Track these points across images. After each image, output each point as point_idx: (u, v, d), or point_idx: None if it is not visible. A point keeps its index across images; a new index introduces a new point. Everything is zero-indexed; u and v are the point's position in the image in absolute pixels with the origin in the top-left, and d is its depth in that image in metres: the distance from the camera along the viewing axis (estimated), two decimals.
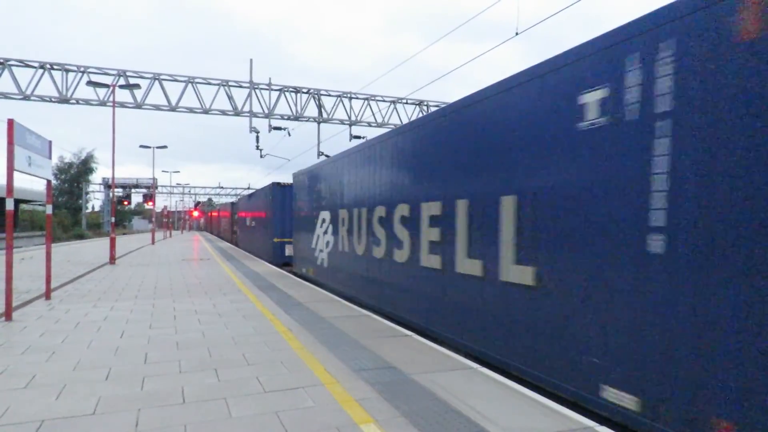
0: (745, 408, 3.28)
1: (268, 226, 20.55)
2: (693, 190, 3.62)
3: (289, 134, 25.22)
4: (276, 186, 19.76)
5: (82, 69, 21.34)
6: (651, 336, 3.89)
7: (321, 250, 13.05)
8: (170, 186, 72.17)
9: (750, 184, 3.30)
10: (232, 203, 40.66)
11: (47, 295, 9.69)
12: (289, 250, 18.56)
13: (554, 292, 4.89)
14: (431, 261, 7.20)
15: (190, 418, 3.96)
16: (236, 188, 77.96)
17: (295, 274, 15.85)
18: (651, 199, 3.91)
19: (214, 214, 62.10)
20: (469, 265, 6.26)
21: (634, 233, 4.04)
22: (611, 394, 4.21)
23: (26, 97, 20.73)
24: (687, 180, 3.66)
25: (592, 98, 4.49)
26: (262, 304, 9.30)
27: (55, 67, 21.09)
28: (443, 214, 6.88)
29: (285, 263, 18.77)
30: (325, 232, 12.63)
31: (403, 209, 8.12)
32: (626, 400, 4.07)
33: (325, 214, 12.59)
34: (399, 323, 8.27)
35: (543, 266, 5.04)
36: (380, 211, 9.03)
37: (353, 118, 26.01)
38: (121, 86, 20.65)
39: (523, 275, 5.29)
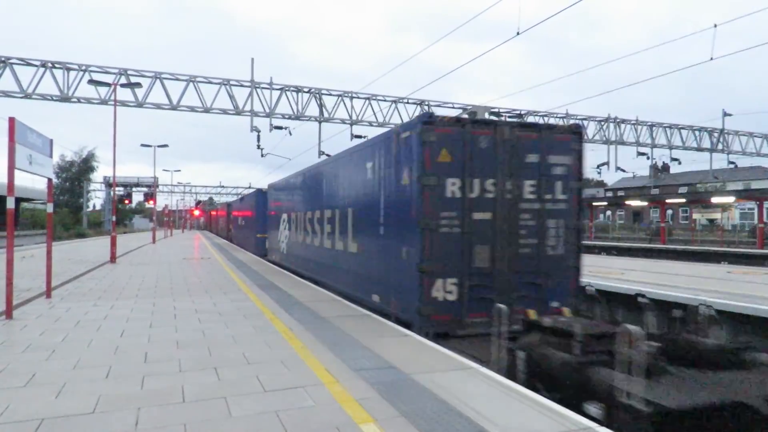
0: (390, 293, 8.42)
1: (253, 224, 24.55)
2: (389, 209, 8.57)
3: (290, 133, 25.24)
4: (259, 192, 23.95)
5: (83, 67, 21.35)
6: (381, 271, 8.80)
7: (282, 242, 18.02)
8: (171, 185, 72.28)
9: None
10: (228, 204, 45.14)
11: (48, 293, 9.70)
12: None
13: (363, 254, 9.73)
14: (328, 244, 12.06)
15: (189, 417, 3.96)
16: (237, 187, 77.93)
17: (269, 260, 20.12)
18: (381, 212, 8.81)
19: (213, 213, 66.14)
20: (340, 245, 11.16)
21: (377, 225, 8.93)
22: (375, 297, 9.06)
23: (27, 96, 20.74)
24: (387, 205, 8.63)
25: (369, 165, 9.37)
26: (262, 303, 9.30)
27: (56, 65, 21.09)
28: (334, 217, 11.49)
29: (265, 254, 21.71)
30: (285, 229, 17.48)
31: (318, 213, 12.83)
32: (377, 299, 8.97)
33: (284, 216, 17.56)
34: (324, 287, 11.89)
35: (362, 243, 9.85)
36: (309, 214, 13.82)
37: (354, 117, 26.01)
38: (122, 85, 20.66)
39: (355, 247, 10.20)
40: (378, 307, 8.79)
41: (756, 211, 40.03)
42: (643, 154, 32.72)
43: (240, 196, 41.86)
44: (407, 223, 7.69)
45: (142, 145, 37.90)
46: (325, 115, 25.44)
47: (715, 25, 19.40)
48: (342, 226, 10.88)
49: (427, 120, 7.32)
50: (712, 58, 19.05)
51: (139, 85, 21.18)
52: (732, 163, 34.87)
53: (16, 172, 7.68)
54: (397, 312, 8.10)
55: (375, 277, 9.08)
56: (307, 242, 14.22)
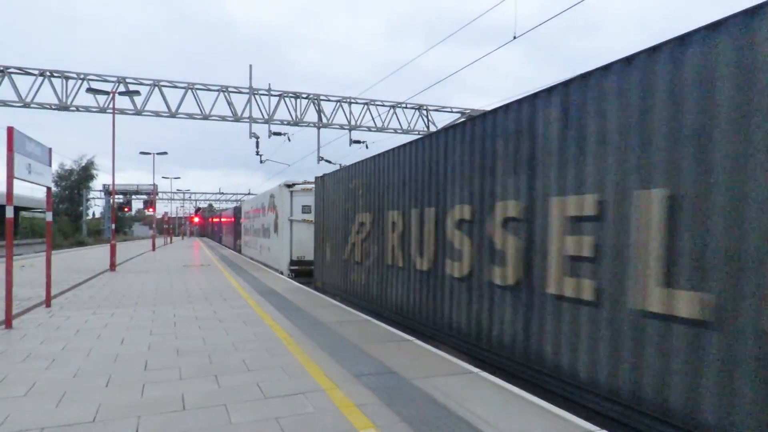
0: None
1: (235, 230, 36.48)
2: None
3: (289, 139, 25.25)
4: (237, 206, 36.11)
5: (81, 76, 21.40)
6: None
7: (246, 242, 28.33)
8: (171, 192, 72.24)
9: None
10: (220, 213, 52.53)
11: (47, 302, 9.68)
12: None
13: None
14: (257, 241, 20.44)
15: (190, 425, 3.95)
16: (236, 194, 78.06)
17: (245, 255, 28.09)
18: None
19: (209, 220, 74.54)
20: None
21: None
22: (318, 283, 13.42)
23: (26, 105, 20.78)
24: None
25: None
26: (262, 310, 9.29)
27: (54, 74, 21.14)
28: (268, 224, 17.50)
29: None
30: (247, 232, 27.63)
31: (257, 222, 20.19)
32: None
33: (248, 224, 27.01)
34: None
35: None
36: (259, 222, 20.72)
37: (353, 122, 26.04)
38: (120, 93, 20.69)
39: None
40: None
41: None
42: None
43: (229, 208, 44.90)
44: None
45: (141, 152, 37.94)
46: (324, 120, 25.48)
47: None
48: None
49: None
50: None
51: (137, 93, 21.22)
52: None
53: (15, 181, 7.69)
54: None
55: None
56: (258, 237, 23.34)
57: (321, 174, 13.63)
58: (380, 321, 8.65)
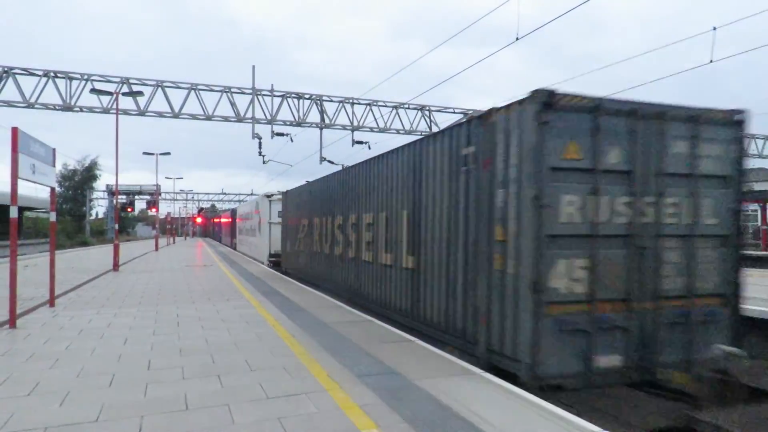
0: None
1: (231, 230, 42.47)
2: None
3: (292, 140, 25.27)
4: (234, 209, 41.92)
5: (85, 77, 21.46)
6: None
7: (240, 240, 33.88)
8: (174, 192, 72.41)
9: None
10: (219, 215, 60.56)
11: (51, 302, 9.72)
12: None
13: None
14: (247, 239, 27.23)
15: (193, 425, 3.96)
16: (239, 194, 78.16)
17: (239, 251, 33.61)
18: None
19: (210, 221, 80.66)
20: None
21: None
22: (284, 268, 18.76)
23: (30, 105, 20.84)
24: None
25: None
26: (265, 310, 9.30)
27: (58, 75, 21.20)
28: (255, 225, 22.91)
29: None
30: (240, 232, 33.53)
31: (246, 224, 28.14)
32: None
33: (240, 225, 33.59)
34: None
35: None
36: (248, 224, 27.69)
37: (355, 123, 26.05)
38: (124, 94, 20.75)
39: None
40: None
41: (759, 214, 39.86)
42: None
43: (227, 210, 54.88)
44: None
45: (145, 153, 38.05)
46: (327, 121, 25.49)
47: (714, 28, 19.42)
48: None
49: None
50: (711, 61, 19.06)
51: (141, 93, 21.27)
52: None
53: (20, 181, 7.72)
54: None
55: None
56: (249, 237, 29.27)
57: (306, 181, 17.36)
58: (329, 296, 11.52)
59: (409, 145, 8.56)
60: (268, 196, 22.66)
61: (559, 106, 5.37)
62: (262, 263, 22.34)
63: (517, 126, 5.63)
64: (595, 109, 5.52)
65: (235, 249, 36.92)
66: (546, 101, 5.30)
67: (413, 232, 8.21)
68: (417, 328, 7.91)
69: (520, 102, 5.56)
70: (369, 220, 10.22)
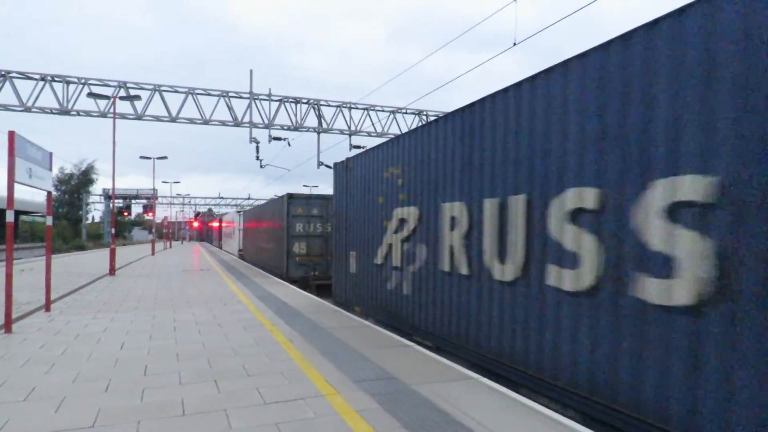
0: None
1: (219, 233, 53.87)
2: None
3: (289, 144, 25.28)
4: (223, 215, 54.95)
5: (82, 81, 21.43)
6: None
7: (224, 241, 46.56)
8: (170, 196, 72.23)
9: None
10: (210, 220, 70.07)
11: (47, 306, 9.67)
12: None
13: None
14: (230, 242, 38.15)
15: (190, 430, 3.94)
16: (236, 198, 77.99)
17: (223, 250, 44.90)
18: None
19: (206, 225, 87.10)
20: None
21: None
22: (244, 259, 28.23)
23: (27, 109, 20.80)
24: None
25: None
26: (262, 314, 9.28)
27: (56, 79, 21.18)
28: (232, 231, 34.69)
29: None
30: (224, 235, 47.54)
31: (228, 229, 39.08)
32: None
33: (224, 230, 47.68)
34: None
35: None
36: (229, 230, 40.06)
37: (353, 128, 26.08)
38: (121, 98, 20.71)
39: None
40: None
41: None
42: None
43: (220, 215, 67.78)
44: None
45: (141, 157, 37.95)
46: (324, 125, 25.51)
47: None
48: None
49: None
50: None
51: (138, 97, 21.24)
52: None
53: (16, 185, 7.70)
54: None
55: None
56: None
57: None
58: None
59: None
60: (239, 211, 36.06)
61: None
62: (233, 255, 35.26)
63: None
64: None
65: (220, 248, 50.24)
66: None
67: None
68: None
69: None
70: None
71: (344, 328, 8.04)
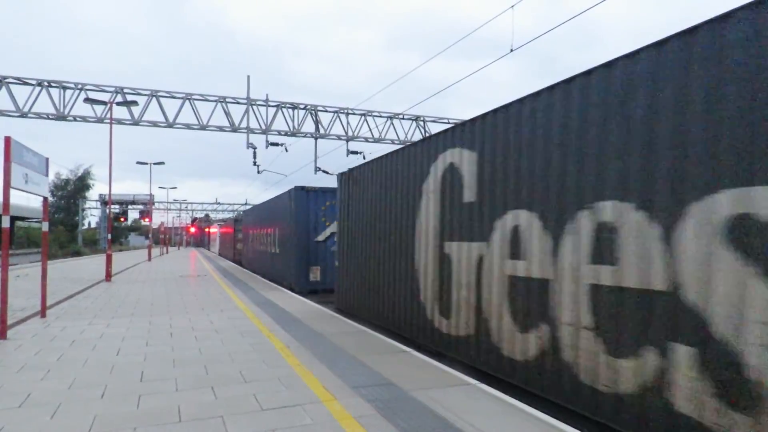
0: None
1: (208, 239, 67.17)
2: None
3: (287, 150, 25.27)
4: (218, 221, 62.06)
5: (79, 86, 21.42)
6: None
7: (212, 245, 58.64)
8: (167, 202, 72.05)
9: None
10: (205, 227, 77.32)
11: (43, 312, 9.62)
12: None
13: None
14: (216, 245, 53.02)
15: None
16: (233, 204, 77.87)
17: (211, 251, 56.69)
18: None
19: (204, 230, 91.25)
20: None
21: None
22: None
23: (23, 115, 20.76)
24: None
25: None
26: (259, 320, 9.24)
27: (52, 84, 21.15)
28: (216, 237, 48.65)
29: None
30: (211, 240, 61.27)
31: (214, 236, 54.78)
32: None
33: (212, 236, 60.38)
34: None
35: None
36: (215, 236, 53.57)
37: (350, 133, 26.10)
38: (118, 103, 20.70)
39: None
40: None
41: None
42: None
43: (216, 221, 78.92)
44: None
45: (138, 162, 37.89)
46: (321, 131, 25.53)
47: None
48: None
49: None
50: None
51: (135, 103, 21.23)
52: None
53: (12, 191, 7.67)
54: None
55: None
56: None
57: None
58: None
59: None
60: (225, 220, 51.01)
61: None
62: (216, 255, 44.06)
63: None
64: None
65: (208, 250, 58.35)
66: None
67: None
68: None
69: None
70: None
71: (342, 334, 8.02)
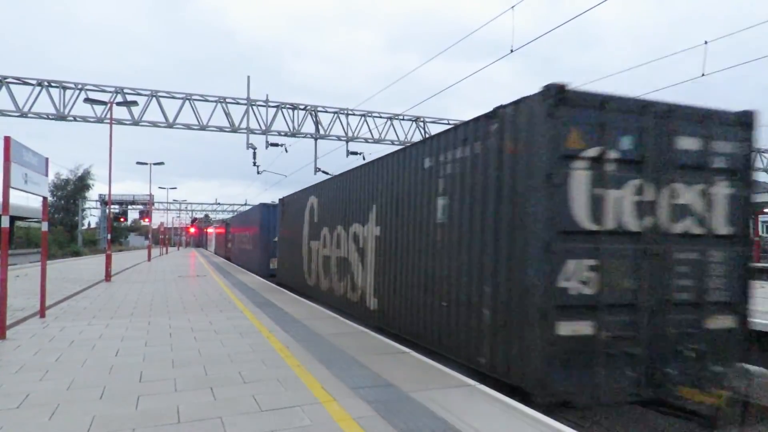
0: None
1: (206, 239, 77.93)
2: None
3: (286, 150, 25.26)
4: (215, 222, 68.05)
5: (79, 86, 21.42)
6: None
7: (209, 244, 68.19)
8: (167, 202, 72.03)
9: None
10: (203, 227, 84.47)
11: (42, 312, 9.61)
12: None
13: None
14: (211, 245, 60.80)
15: None
16: (233, 204, 77.83)
17: (207, 251, 63.69)
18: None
19: (199, 230, 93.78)
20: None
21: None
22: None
23: (24, 114, 20.76)
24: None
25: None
26: (258, 321, 9.23)
27: (52, 84, 21.15)
28: (212, 237, 57.88)
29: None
30: (208, 240, 71.65)
31: (210, 236, 64.49)
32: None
33: (209, 237, 70.95)
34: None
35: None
36: (212, 236, 62.02)
37: (350, 134, 26.10)
38: (118, 103, 20.69)
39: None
40: None
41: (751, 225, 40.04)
42: None
43: (213, 223, 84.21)
44: None
45: (138, 162, 37.90)
46: (321, 132, 25.53)
47: (706, 42, 19.67)
48: None
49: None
50: (703, 74, 19.28)
51: (135, 103, 21.22)
52: None
53: (11, 191, 7.66)
54: None
55: None
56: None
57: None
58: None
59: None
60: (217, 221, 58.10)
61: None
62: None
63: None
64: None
65: (206, 249, 64.08)
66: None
67: None
68: None
69: None
70: None
71: (341, 335, 8.01)
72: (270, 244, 21.90)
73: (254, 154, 25.07)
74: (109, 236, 19.95)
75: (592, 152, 5.34)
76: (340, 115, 25.90)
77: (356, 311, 10.45)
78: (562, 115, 5.24)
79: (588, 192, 5.31)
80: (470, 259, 6.39)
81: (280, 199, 18.97)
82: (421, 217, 7.77)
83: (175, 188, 55.21)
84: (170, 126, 22.80)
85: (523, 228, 5.42)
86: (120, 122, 22.06)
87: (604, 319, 5.22)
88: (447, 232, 7.00)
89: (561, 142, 5.23)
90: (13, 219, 49.68)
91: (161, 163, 38.06)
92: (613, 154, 5.41)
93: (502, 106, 5.96)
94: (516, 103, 5.73)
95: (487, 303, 5.97)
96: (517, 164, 5.63)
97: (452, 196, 6.90)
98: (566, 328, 5.09)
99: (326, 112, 25.65)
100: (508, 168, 5.77)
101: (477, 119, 6.47)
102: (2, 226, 7.64)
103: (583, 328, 5.16)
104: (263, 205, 23.46)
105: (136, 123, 22.32)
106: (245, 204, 74.84)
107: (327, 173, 25.35)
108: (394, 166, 8.83)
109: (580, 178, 5.28)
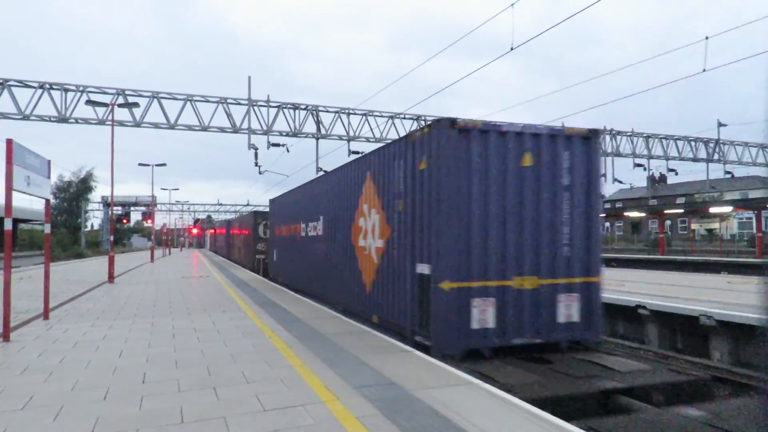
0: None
1: (206, 239, 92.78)
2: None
3: (288, 150, 25.27)
4: (218, 222, 68.38)
5: (81, 88, 21.45)
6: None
7: (210, 245, 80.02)
8: (169, 203, 72.14)
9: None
10: (206, 229, 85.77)
11: (45, 314, 9.64)
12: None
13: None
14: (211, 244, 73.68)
15: None
16: (235, 205, 77.88)
17: (209, 251, 71.45)
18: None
19: (201, 231, 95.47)
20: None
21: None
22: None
23: (26, 117, 20.80)
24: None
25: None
26: (261, 321, 9.25)
27: (54, 86, 21.19)
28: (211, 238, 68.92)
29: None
30: (208, 241, 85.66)
31: (210, 237, 74.81)
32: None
33: (209, 237, 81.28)
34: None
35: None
36: (212, 237, 72.95)
37: (351, 133, 26.10)
38: (119, 105, 20.71)
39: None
40: None
41: (754, 221, 40.03)
42: (639, 165, 32.77)
43: (214, 225, 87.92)
44: None
45: (140, 164, 38.00)
46: (323, 131, 25.53)
47: (707, 38, 19.63)
48: None
49: None
50: (704, 70, 19.24)
51: (136, 105, 21.25)
52: (728, 172, 34.78)
53: (14, 193, 7.68)
54: None
55: None
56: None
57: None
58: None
59: None
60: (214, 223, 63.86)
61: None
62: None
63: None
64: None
65: (208, 249, 62.59)
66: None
67: None
68: None
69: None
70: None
71: (344, 334, 8.02)
72: (258, 245, 27.32)
73: (256, 154, 25.07)
74: (111, 238, 20.00)
75: None
76: (341, 115, 25.90)
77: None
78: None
79: None
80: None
81: (271, 200, 21.21)
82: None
83: (177, 189, 55.41)
84: (172, 127, 22.81)
85: None
86: (122, 124, 22.10)
87: None
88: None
89: None
90: (16, 221, 49.85)
91: (163, 165, 38.15)
92: None
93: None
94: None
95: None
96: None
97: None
98: None
99: (327, 111, 25.65)
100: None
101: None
102: (5, 228, 7.66)
103: None
104: (252, 212, 29.99)
105: (137, 124, 22.34)
106: (247, 204, 74.99)
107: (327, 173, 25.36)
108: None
109: None
